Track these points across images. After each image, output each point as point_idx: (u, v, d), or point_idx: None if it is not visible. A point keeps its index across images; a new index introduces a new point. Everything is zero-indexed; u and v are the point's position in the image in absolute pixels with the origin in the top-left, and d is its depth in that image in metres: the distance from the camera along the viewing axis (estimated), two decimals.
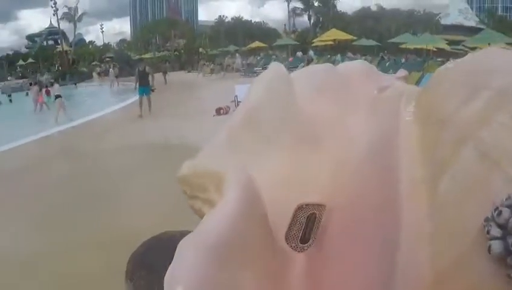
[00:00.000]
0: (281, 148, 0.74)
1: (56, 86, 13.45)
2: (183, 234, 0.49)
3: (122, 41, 59.29)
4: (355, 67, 0.86)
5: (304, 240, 0.58)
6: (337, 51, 25.47)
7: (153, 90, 11.99)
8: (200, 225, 0.43)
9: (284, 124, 0.75)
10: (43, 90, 15.40)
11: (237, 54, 30.91)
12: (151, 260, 0.70)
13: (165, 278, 0.41)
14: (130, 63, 34.42)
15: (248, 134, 0.75)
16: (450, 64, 0.50)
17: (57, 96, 12.16)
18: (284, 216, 0.60)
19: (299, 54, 26.49)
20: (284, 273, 0.49)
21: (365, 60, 0.96)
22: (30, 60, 51.00)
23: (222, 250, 0.40)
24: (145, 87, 11.60)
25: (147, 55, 42.97)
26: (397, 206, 0.42)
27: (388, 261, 0.40)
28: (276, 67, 0.77)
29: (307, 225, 0.62)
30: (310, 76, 0.91)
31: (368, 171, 0.52)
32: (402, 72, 0.97)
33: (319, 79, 0.86)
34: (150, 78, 11.96)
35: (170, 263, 0.42)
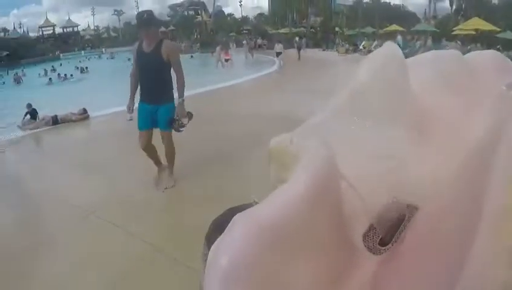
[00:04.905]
0: (384, 135, 0.67)
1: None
2: None
3: (260, 15, 61.23)
4: (486, 57, 0.77)
5: (384, 242, 0.49)
6: (479, 42, 22.45)
7: (179, 127, 3.80)
8: (260, 203, 0.40)
9: (392, 110, 0.68)
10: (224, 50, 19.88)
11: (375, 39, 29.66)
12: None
13: (211, 248, 0.39)
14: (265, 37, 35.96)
15: (350, 115, 0.68)
16: None
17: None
18: (368, 211, 0.52)
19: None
20: (347, 274, 0.43)
21: (508, 56, 0.81)
22: (171, 27, 55.16)
23: (275, 232, 0.36)
24: (166, 105, 3.77)
25: (283, 30, 43.62)
26: None
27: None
28: (391, 48, 0.69)
29: (392, 227, 0.53)
30: (436, 63, 0.83)
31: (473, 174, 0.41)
32: None
33: (447, 68, 0.79)
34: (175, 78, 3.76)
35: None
